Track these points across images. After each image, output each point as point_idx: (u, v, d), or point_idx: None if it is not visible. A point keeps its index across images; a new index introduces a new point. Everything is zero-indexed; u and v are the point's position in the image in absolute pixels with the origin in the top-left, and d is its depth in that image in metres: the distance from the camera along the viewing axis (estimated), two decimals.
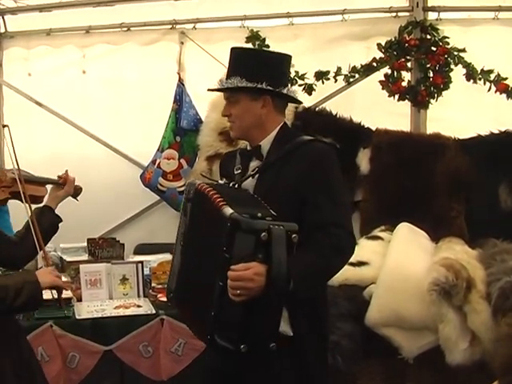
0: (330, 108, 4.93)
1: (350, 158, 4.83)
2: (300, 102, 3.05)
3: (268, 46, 4.91)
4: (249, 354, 2.44)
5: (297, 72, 4.90)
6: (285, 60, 2.83)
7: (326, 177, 2.66)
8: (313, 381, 2.69)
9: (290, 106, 4.85)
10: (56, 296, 2.89)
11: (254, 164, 2.77)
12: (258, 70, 2.67)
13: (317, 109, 4.97)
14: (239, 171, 2.79)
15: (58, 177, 3.22)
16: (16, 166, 3.00)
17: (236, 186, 2.73)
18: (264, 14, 5.09)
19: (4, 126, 3.03)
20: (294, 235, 2.40)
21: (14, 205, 3.16)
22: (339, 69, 4.87)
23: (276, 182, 2.65)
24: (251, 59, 2.72)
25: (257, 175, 2.72)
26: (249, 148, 2.83)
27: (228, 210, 2.39)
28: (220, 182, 2.80)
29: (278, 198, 2.58)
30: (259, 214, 2.42)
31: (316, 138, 2.86)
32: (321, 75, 4.88)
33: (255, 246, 2.39)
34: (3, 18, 5.70)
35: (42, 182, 3.22)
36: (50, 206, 3.14)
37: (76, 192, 3.29)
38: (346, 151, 4.80)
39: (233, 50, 2.79)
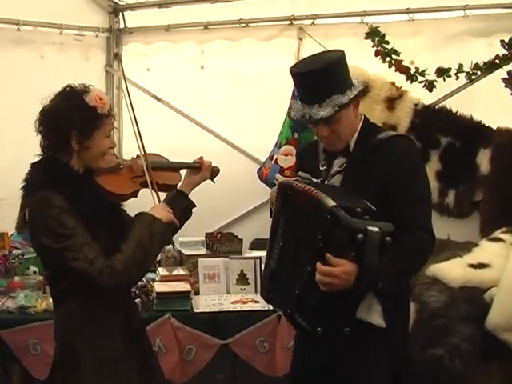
0: (450, 106, 4.83)
1: (469, 157, 4.73)
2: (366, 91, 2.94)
3: (387, 43, 4.86)
4: (325, 336, 2.52)
5: (417, 68, 4.82)
6: (343, 56, 2.71)
7: (413, 176, 2.68)
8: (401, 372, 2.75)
9: (410, 103, 4.85)
10: None
11: (339, 161, 2.76)
12: (343, 79, 2.63)
13: (436, 106, 4.88)
14: (325, 167, 2.78)
15: (194, 161, 3.09)
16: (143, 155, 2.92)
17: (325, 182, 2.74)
18: (384, 10, 5.01)
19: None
20: (388, 238, 2.41)
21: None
22: (461, 66, 4.75)
23: (363, 179, 2.66)
24: (329, 73, 2.60)
25: (343, 171, 2.73)
26: None
27: (329, 202, 2.40)
28: (312, 180, 2.75)
29: (365, 194, 2.58)
30: (358, 209, 2.43)
31: (398, 134, 2.89)
32: (442, 72, 4.78)
33: (350, 243, 2.41)
34: (123, 14, 5.86)
35: (175, 167, 3.09)
36: (184, 190, 3.03)
37: (213, 173, 3.15)
38: (466, 150, 4.73)
39: (300, 74, 2.67)
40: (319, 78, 2.59)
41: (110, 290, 2.55)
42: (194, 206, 3.07)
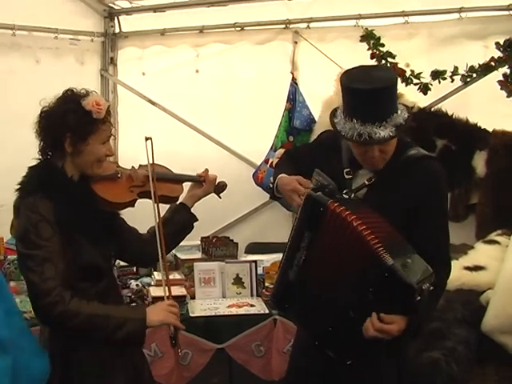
0: (445, 108, 4.83)
1: (465, 160, 4.72)
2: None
3: (383, 45, 4.85)
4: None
5: (412, 71, 4.81)
6: (395, 77, 2.64)
7: (440, 202, 2.68)
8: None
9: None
10: (172, 332, 2.73)
11: (364, 173, 2.70)
12: (396, 98, 2.54)
13: (432, 109, 4.88)
14: (350, 176, 2.71)
15: (198, 175, 3.05)
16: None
17: (352, 195, 2.68)
18: (379, 13, 5.02)
19: (147, 139, 2.86)
20: (431, 288, 2.44)
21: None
22: (456, 68, 4.75)
23: (390, 196, 2.62)
24: (390, 92, 2.50)
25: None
26: None
27: (388, 260, 2.36)
28: (343, 195, 2.67)
29: (391, 212, 2.55)
30: (408, 261, 2.44)
31: (429, 154, 2.78)
32: (437, 74, 4.77)
33: (406, 302, 2.41)
34: (118, 18, 5.89)
35: (179, 179, 3.05)
36: (187, 203, 3.02)
37: (220, 188, 3.12)
38: (462, 153, 4.72)
39: (360, 91, 2.48)
40: (383, 97, 2.48)
41: (41, 317, 2.52)
42: (196, 219, 3.05)
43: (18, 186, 2.62)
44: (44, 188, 2.54)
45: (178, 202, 3.01)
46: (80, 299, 2.49)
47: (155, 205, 2.81)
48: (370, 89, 2.46)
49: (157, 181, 2.84)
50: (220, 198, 3.16)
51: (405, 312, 2.45)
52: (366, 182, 2.68)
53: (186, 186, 3.08)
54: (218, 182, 3.10)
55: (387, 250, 2.38)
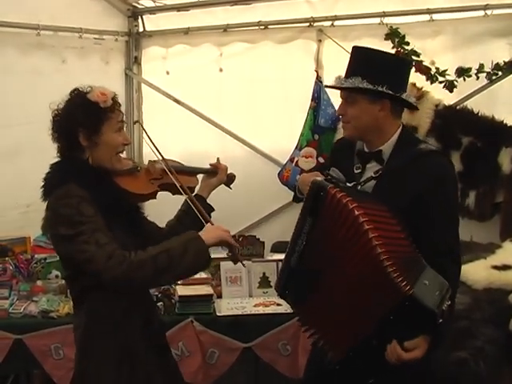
0: (471, 106, 4.79)
1: (491, 157, 4.67)
2: (416, 108, 2.94)
3: (408, 44, 4.81)
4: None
5: (437, 69, 4.78)
6: (406, 65, 2.83)
7: (447, 196, 2.68)
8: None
9: (430, 104, 4.81)
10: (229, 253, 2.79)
11: (372, 166, 2.76)
12: (379, 72, 2.64)
13: (458, 107, 4.84)
14: (359, 171, 2.78)
15: (210, 165, 3.13)
16: (160, 158, 2.94)
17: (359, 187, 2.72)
18: (403, 11, 4.98)
19: (135, 122, 2.95)
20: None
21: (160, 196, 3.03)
22: (481, 65, 4.72)
23: (398, 190, 2.64)
24: (374, 60, 2.68)
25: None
26: (366, 149, 2.81)
27: (407, 289, 2.35)
28: (347, 184, 2.73)
29: (398, 206, 2.55)
30: (426, 282, 2.43)
31: (437, 149, 2.88)
32: (462, 72, 4.74)
33: (427, 323, 2.43)
34: (142, 17, 5.90)
35: (193, 171, 3.13)
36: (202, 195, 3.06)
37: (229, 180, 3.19)
38: (488, 150, 4.67)
39: (355, 48, 2.77)
40: (374, 60, 2.68)
41: (111, 280, 2.47)
42: (213, 210, 3.08)
43: (44, 182, 2.65)
44: (73, 177, 2.57)
45: (193, 194, 3.04)
46: (136, 252, 2.50)
47: (182, 192, 2.89)
48: (364, 47, 2.78)
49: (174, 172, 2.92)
50: (231, 188, 3.23)
51: (426, 333, 2.49)
52: (373, 175, 2.71)
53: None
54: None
55: (403, 274, 2.37)
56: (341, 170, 2.75)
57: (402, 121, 2.82)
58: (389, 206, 2.54)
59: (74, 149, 2.65)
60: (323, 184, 2.58)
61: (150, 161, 3.00)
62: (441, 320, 2.37)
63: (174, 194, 2.97)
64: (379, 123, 2.72)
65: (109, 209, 2.59)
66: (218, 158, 3.15)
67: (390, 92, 2.64)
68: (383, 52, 2.76)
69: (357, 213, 2.42)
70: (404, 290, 2.35)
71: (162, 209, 3.21)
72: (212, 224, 2.77)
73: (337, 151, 3.11)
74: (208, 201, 3.09)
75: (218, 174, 3.10)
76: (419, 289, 2.38)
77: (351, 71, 2.70)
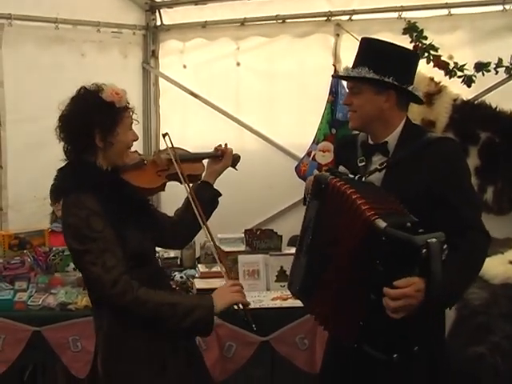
0: (489, 101, 4.77)
1: (509, 152, 4.67)
2: (422, 102, 2.88)
3: (426, 38, 4.79)
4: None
5: (456, 63, 4.76)
6: (413, 57, 2.81)
7: (461, 177, 2.65)
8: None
9: (448, 99, 4.80)
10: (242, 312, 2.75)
11: (378, 159, 2.74)
12: (386, 63, 2.62)
13: (476, 102, 4.83)
14: (363, 163, 2.76)
15: (215, 149, 3.12)
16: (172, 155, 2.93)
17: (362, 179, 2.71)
18: (421, 5, 4.96)
19: (164, 136, 2.94)
20: (445, 246, 2.35)
21: (170, 185, 3.07)
22: (500, 60, 4.69)
23: (407, 180, 2.62)
24: (381, 51, 2.67)
25: (383, 170, 2.69)
26: (371, 142, 2.80)
27: (381, 224, 2.33)
28: (349, 175, 2.73)
29: (410, 196, 2.54)
30: (408, 224, 2.36)
31: (444, 135, 2.85)
32: (481, 67, 4.71)
33: (413, 261, 2.32)
34: (159, 11, 5.92)
35: (198, 157, 3.13)
36: (208, 180, 3.07)
37: (234, 161, 3.17)
38: (506, 145, 4.67)
39: (363, 39, 2.77)
40: (381, 51, 2.67)
41: (111, 305, 2.54)
42: (220, 195, 3.11)
43: (53, 188, 2.65)
44: (85, 185, 2.56)
45: (199, 181, 3.07)
46: (147, 289, 2.52)
47: (185, 184, 2.89)
48: (373, 38, 2.77)
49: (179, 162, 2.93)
50: (236, 169, 3.21)
51: (414, 270, 2.36)
52: (378, 167, 2.70)
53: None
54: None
55: (382, 217, 2.35)
56: (346, 167, 2.78)
57: (417, 115, 2.82)
58: (402, 196, 2.52)
59: (87, 149, 2.64)
60: (324, 176, 2.63)
61: (155, 152, 3.02)
62: (425, 250, 2.26)
63: (181, 184, 2.95)
64: (384, 114, 2.70)
65: (121, 212, 2.59)
66: (225, 144, 3.14)
67: (396, 83, 2.63)
68: (391, 44, 2.74)
69: (354, 196, 2.44)
70: (377, 223, 2.33)
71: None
72: (207, 226, 2.82)
73: (340, 148, 3.13)
74: (225, 192, 3.11)
75: (224, 159, 3.09)
76: (397, 226, 2.33)
77: (358, 61, 2.69)
